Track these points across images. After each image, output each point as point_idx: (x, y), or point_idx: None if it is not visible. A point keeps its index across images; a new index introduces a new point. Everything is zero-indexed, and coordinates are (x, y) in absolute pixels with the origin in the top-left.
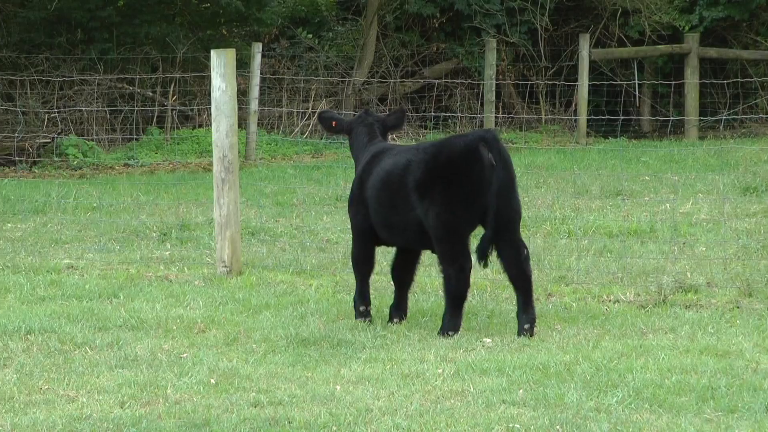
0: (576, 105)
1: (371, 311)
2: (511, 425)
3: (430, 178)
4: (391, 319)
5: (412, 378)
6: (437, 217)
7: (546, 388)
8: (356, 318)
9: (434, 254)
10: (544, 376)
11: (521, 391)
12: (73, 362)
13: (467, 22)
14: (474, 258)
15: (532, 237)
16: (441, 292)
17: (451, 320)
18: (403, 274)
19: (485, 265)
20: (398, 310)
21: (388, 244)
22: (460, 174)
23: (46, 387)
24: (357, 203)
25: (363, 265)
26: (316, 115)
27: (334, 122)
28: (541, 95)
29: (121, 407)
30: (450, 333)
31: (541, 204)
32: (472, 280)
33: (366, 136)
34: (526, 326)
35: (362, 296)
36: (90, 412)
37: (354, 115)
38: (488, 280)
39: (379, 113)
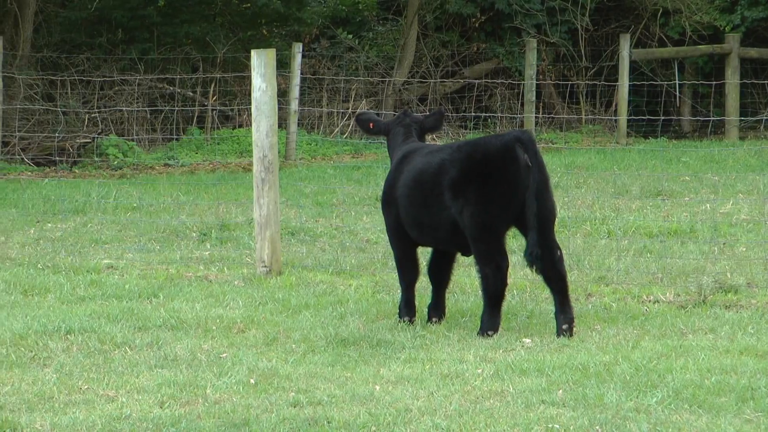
0: (616, 105)
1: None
2: (550, 425)
3: (465, 177)
4: (429, 319)
5: (452, 378)
6: (472, 216)
7: (585, 389)
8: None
9: (464, 255)
10: (583, 376)
11: (561, 391)
12: (112, 362)
13: (507, 22)
14: (525, 261)
15: (571, 237)
16: (480, 293)
17: (490, 320)
18: (440, 273)
19: (538, 270)
20: (436, 309)
21: (420, 244)
22: (496, 174)
23: (86, 387)
24: (389, 203)
25: (406, 269)
26: (354, 116)
27: (371, 124)
28: (582, 95)
29: (161, 407)
30: (489, 333)
31: (581, 204)
32: (511, 281)
33: (402, 136)
34: (565, 326)
35: (408, 305)
36: (129, 411)
37: (394, 115)
38: (528, 280)
39: (418, 114)
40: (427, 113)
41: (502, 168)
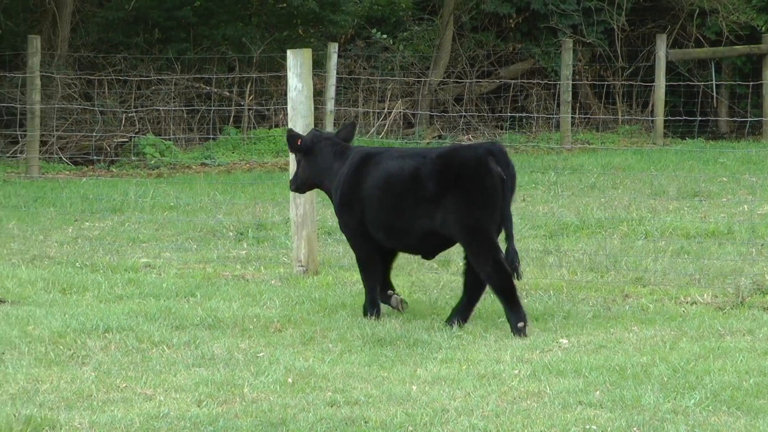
0: (653, 105)
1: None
2: (587, 426)
3: (443, 189)
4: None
5: (489, 378)
6: (456, 222)
7: (623, 390)
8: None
9: (425, 259)
10: (620, 377)
11: (598, 392)
12: (150, 361)
13: (543, 22)
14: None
15: (608, 238)
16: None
17: (513, 314)
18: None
19: (519, 277)
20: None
21: (384, 246)
22: (472, 182)
23: (124, 385)
24: (350, 205)
25: (369, 270)
26: (287, 132)
27: (299, 140)
28: (618, 96)
29: (198, 406)
30: (519, 326)
31: (618, 205)
32: (548, 281)
33: (331, 147)
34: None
35: (372, 303)
36: (167, 410)
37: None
38: (564, 281)
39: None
40: (340, 127)
41: (478, 178)
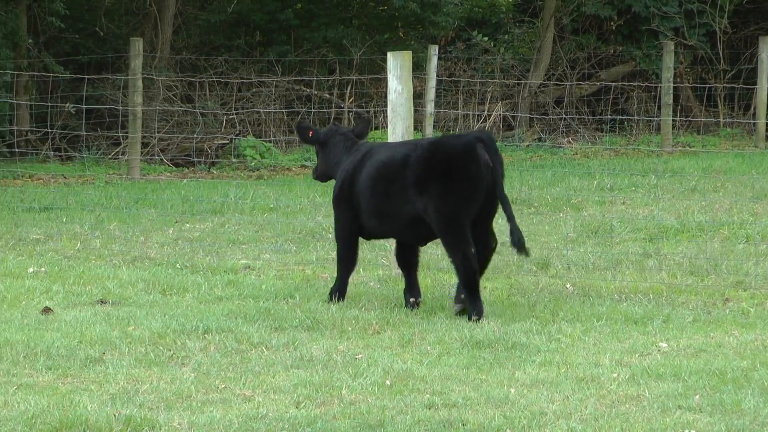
0: (755, 108)
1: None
2: (686, 431)
3: (429, 175)
4: (407, 302)
5: (587, 382)
6: (436, 210)
7: (723, 394)
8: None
9: (417, 245)
10: (720, 381)
11: (697, 396)
12: (249, 362)
13: (645, 24)
14: (515, 251)
15: (709, 241)
16: (616, 296)
17: (473, 305)
18: (407, 259)
19: (527, 254)
20: (411, 291)
21: (374, 236)
22: (458, 171)
23: (223, 386)
24: (347, 198)
25: (348, 261)
26: (296, 124)
27: (310, 132)
28: (719, 98)
29: (297, 407)
30: (475, 317)
31: (719, 208)
32: (648, 285)
33: (343, 143)
34: (461, 304)
35: (341, 290)
36: (266, 411)
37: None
38: (664, 284)
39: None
40: (356, 123)
41: (464, 166)
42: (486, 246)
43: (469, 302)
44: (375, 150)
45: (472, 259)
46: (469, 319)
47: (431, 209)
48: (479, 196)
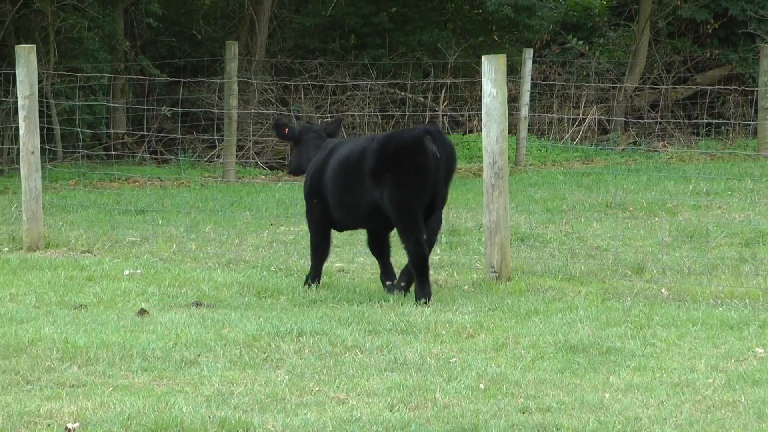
0: None
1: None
2: None
3: (382, 165)
4: (384, 285)
5: (682, 387)
6: (390, 199)
7: None
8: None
9: (379, 232)
10: None
11: None
12: (343, 365)
13: (741, 27)
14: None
15: None
16: (711, 301)
17: (421, 289)
18: (379, 247)
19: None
20: (387, 275)
21: (344, 227)
22: (408, 162)
23: (317, 389)
24: (317, 192)
25: (321, 250)
26: (273, 120)
27: (286, 129)
28: None
29: (390, 410)
30: (422, 300)
31: None
32: (743, 290)
33: (315, 140)
34: (403, 284)
35: (316, 276)
36: (359, 414)
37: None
38: (760, 289)
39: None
40: (328, 121)
41: (413, 157)
42: (436, 229)
43: (419, 286)
44: (338, 146)
45: (423, 245)
46: (417, 301)
47: (386, 198)
48: (429, 185)
